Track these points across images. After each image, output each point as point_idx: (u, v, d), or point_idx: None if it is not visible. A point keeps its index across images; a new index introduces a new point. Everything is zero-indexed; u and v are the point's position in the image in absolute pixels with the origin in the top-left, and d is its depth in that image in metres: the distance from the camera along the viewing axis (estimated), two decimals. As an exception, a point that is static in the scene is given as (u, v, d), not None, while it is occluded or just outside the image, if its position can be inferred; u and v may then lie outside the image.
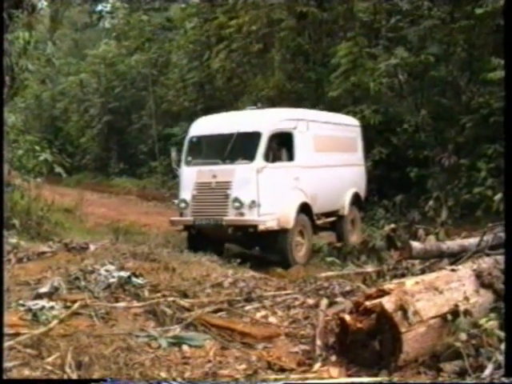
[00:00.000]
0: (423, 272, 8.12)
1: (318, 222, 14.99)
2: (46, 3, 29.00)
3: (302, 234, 14.28)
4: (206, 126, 15.39)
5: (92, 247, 10.99)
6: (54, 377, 4.98)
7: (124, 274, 8.17)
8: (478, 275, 6.41)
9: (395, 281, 6.49)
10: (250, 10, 26.47)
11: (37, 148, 15.57)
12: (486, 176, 17.41)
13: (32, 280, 8.24)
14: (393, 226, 13.44)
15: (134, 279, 8.08)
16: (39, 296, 7.29)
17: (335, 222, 16.12)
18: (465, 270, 6.52)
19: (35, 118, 44.45)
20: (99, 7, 47.09)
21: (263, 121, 14.52)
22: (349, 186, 16.72)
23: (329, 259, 12.75)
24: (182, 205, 14.19)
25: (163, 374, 5.20)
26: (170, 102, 34.56)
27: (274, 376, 5.28)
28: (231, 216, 13.56)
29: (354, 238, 16.10)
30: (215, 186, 13.84)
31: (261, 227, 13.34)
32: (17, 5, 12.99)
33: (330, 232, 16.24)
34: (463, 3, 19.85)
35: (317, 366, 5.50)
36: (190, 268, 9.53)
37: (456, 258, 8.12)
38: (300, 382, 5.13)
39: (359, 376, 5.31)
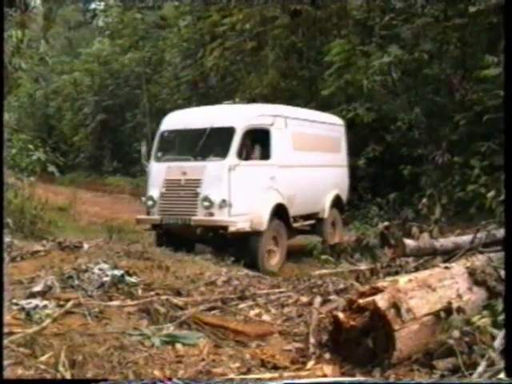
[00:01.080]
0: (416, 269, 8.12)
1: (295, 225, 14.46)
2: (39, 1, 28.93)
3: (276, 240, 13.71)
4: (178, 120, 14.75)
5: (85, 246, 10.98)
6: (48, 376, 4.98)
7: (117, 272, 8.17)
8: (471, 273, 6.42)
9: (388, 278, 6.49)
10: (244, 8, 26.44)
11: (30, 147, 15.57)
12: (480, 174, 17.43)
13: (25, 279, 8.23)
14: (386, 223, 13.33)
15: (127, 278, 8.08)
16: (32, 295, 7.28)
17: (315, 225, 15.65)
18: (458, 267, 6.53)
19: (28, 116, 44.44)
20: (93, 5, 47.23)
21: (238, 116, 13.95)
22: (330, 188, 16.25)
23: (322, 257, 12.68)
24: (150, 202, 13.57)
25: (157, 373, 5.20)
26: (163, 101, 34.50)
27: (267, 374, 5.28)
28: (200, 216, 12.91)
29: (336, 241, 15.47)
30: (184, 184, 13.19)
31: (231, 229, 12.74)
32: (10, 3, 12.99)
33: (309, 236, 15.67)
34: (456, 1, 19.87)
35: (310, 363, 5.50)
36: (183, 266, 9.54)
37: (449, 255, 8.15)
38: (292, 381, 5.13)
39: (353, 373, 5.32)
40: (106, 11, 42.55)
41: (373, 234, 12.81)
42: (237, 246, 13.06)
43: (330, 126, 16.99)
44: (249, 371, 5.37)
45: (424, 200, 14.39)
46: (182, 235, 13.22)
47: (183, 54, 33.40)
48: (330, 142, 16.76)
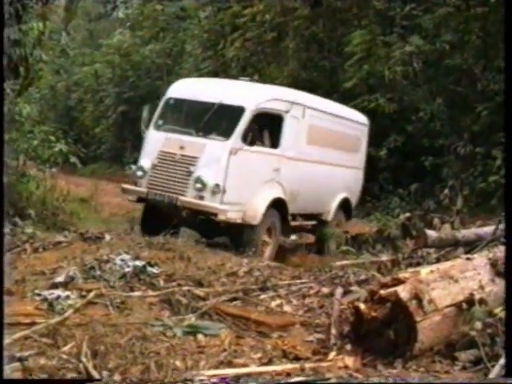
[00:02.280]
0: (438, 261, 8.10)
1: (293, 224, 13.40)
2: (60, -7, 29.02)
3: (270, 232, 12.66)
4: (187, 89, 13.71)
5: (107, 237, 11.03)
6: (70, 366, 5.01)
7: (139, 263, 8.20)
8: (493, 264, 6.38)
9: (410, 269, 6.47)
10: (264, -1, 26.44)
11: (52, 138, 15.60)
12: (501, 164, 17.32)
13: (48, 270, 8.28)
14: (408, 214, 13.31)
15: (149, 268, 8.11)
16: (55, 285, 7.33)
17: (316, 226, 14.44)
18: (480, 258, 6.50)
19: (50, 108, 44.49)
20: (113, -3, 47.15)
21: (250, 96, 12.85)
22: (339, 190, 14.90)
23: (344, 248, 12.60)
24: (139, 173, 12.48)
25: (178, 363, 5.21)
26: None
27: (288, 365, 5.28)
28: (189, 197, 11.82)
29: (335, 247, 14.16)
30: (179, 159, 12.08)
31: (220, 217, 11.73)
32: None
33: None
34: (478, -10, 19.77)
35: (332, 354, 5.51)
36: (205, 257, 9.55)
37: (471, 246, 8.12)
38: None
39: (374, 365, 5.32)
40: (127, 3, 42.64)
41: (394, 225, 12.78)
42: (229, 236, 12.49)
43: (351, 123, 15.65)
44: (270, 362, 5.38)
45: (446, 191, 14.37)
46: (168, 215, 12.11)
47: (204, 45, 33.32)
48: (348, 141, 15.50)
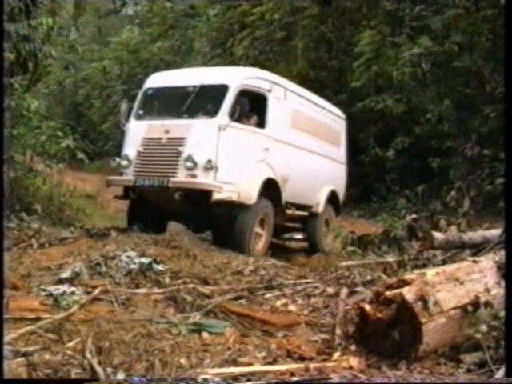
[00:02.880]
0: (444, 263, 8.08)
1: (288, 212, 12.88)
2: (69, -11, 29.03)
3: (263, 223, 12.10)
4: (165, 78, 13.25)
5: (113, 233, 11.07)
6: (75, 362, 5.01)
7: (145, 260, 8.23)
8: (500, 267, 6.36)
9: (416, 271, 6.45)
10: (273, -2, 26.48)
11: (59, 134, 15.64)
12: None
13: (53, 265, 8.30)
14: (414, 216, 13.27)
15: (154, 266, 8.13)
16: (60, 281, 7.35)
17: (307, 220, 13.87)
18: (486, 261, 6.47)
19: (58, 104, 44.65)
20: (122, -6, 47.19)
21: (232, 74, 12.59)
22: (326, 182, 14.46)
23: (349, 248, 12.57)
24: (124, 162, 11.78)
25: (183, 361, 5.22)
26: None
27: (293, 364, 5.28)
28: (180, 177, 11.13)
29: (328, 240, 14.02)
30: (166, 143, 11.47)
31: (215, 195, 11.01)
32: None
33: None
34: (488, -8, 19.75)
35: (336, 355, 5.49)
36: (210, 255, 9.57)
37: (478, 249, 8.09)
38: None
39: (378, 366, 5.31)
40: (136, 0, 42.67)
41: (400, 226, 12.73)
42: (220, 223, 11.74)
43: (330, 115, 15.30)
44: (275, 361, 5.38)
45: (452, 193, 14.28)
46: (156, 204, 11.71)
47: (212, 43, 33.40)
48: (329, 132, 15.08)
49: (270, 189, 12.12)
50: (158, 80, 13.09)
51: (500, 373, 5.02)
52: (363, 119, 23.06)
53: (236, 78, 12.09)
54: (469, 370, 5.20)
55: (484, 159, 18.83)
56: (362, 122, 22.87)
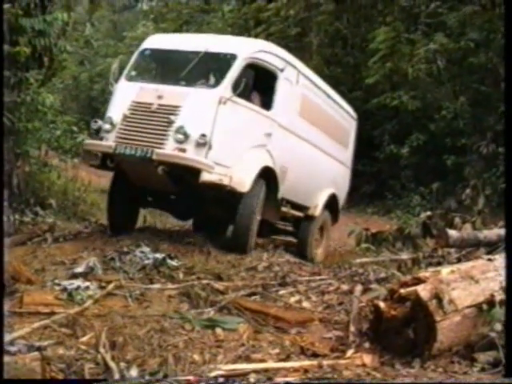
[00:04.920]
0: (459, 261, 8.06)
1: (283, 210, 11.45)
2: (85, -16, 29.09)
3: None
4: (166, 40, 11.97)
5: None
6: (88, 357, 5.02)
7: (159, 255, 8.25)
8: (515, 265, 6.33)
9: (431, 269, 6.42)
10: (289, -6, 26.40)
11: (74, 129, 15.69)
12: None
13: (68, 260, 8.34)
14: (429, 213, 13.19)
15: (168, 261, 8.15)
16: (75, 276, 7.38)
17: (300, 222, 12.25)
18: (501, 259, 6.44)
19: (73, 98, 44.68)
20: (137, -11, 47.25)
21: (243, 44, 11.35)
22: (328, 184, 12.87)
23: (364, 245, 12.49)
24: (107, 126, 10.01)
25: (196, 357, 5.22)
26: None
27: (306, 361, 5.27)
28: (167, 149, 9.46)
29: (320, 252, 12.68)
30: (157, 109, 9.77)
31: (204, 176, 9.38)
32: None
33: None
34: (505, -11, 19.63)
35: (350, 352, 5.49)
36: (224, 251, 9.55)
37: (493, 247, 8.05)
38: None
39: (392, 363, 5.30)
40: (151, -5, 42.68)
41: (415, 223, 12.68)
42: (210, 211, 10.70)
43: (342, 112, 13.77)
44: (288, 358, 5.38)
45: (467, 190, 14.22)
46: (136, 181, 10.37)
47: (227, 38, 33.34)
48: (338, 130, 13.58)
49: (267, 180, 10.60)
50: (159, 41, 11.72)
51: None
52: (378, 116, 23.01)
53: (247, 48, 10.69)
54: (483, 369, 5.18)
55: (499, 157, 18.72)
56: (376, 118, 22.83)
